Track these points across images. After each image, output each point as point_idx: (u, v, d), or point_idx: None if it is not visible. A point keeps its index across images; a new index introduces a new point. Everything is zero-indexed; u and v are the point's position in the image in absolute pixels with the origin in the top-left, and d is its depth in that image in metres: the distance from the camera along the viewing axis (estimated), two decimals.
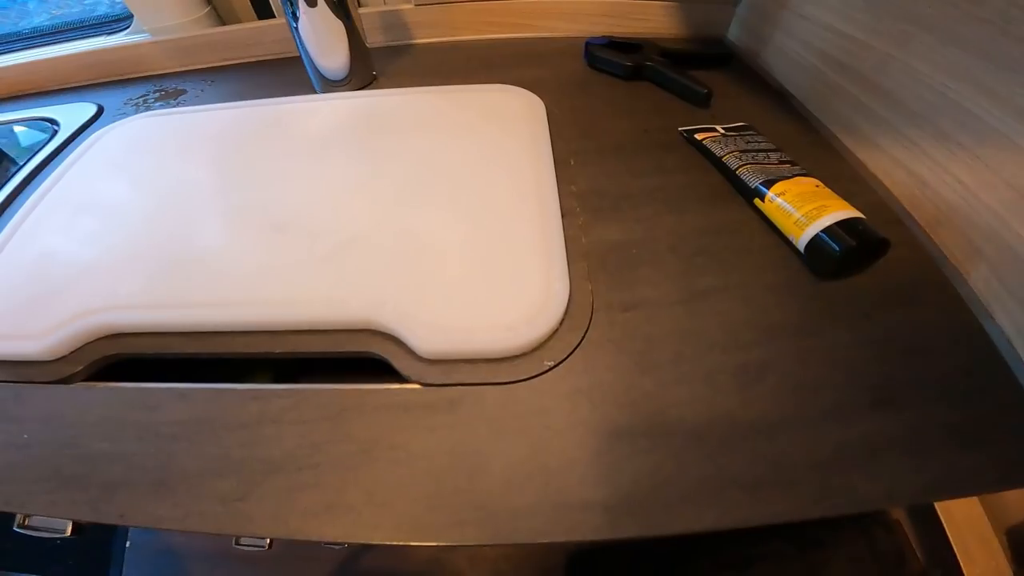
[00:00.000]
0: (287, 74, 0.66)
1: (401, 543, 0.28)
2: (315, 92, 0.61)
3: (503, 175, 0.46)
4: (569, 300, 0.37)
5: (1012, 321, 0.34)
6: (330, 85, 0.60)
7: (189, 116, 0.57)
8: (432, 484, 0.30)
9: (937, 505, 0.40)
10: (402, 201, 0.44)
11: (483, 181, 0.45)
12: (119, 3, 0.74)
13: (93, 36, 0.74)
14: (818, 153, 0.49)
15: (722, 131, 0.50)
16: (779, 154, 0.46)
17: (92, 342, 0.37)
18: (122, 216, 0.45)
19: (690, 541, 0.38)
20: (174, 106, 0.62)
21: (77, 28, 0.75)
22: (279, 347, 0.36)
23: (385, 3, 0.68)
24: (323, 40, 0.56)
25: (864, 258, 0.39)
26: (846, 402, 0.32)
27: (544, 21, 0.67)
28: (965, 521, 0.40)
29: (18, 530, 0.37)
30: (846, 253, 0.37)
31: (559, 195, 0.44)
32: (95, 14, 0.75)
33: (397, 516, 0.29)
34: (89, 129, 0.60)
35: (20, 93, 0.71)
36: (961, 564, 0.39)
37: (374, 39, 0.70)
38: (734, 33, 0.65)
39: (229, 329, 0.37)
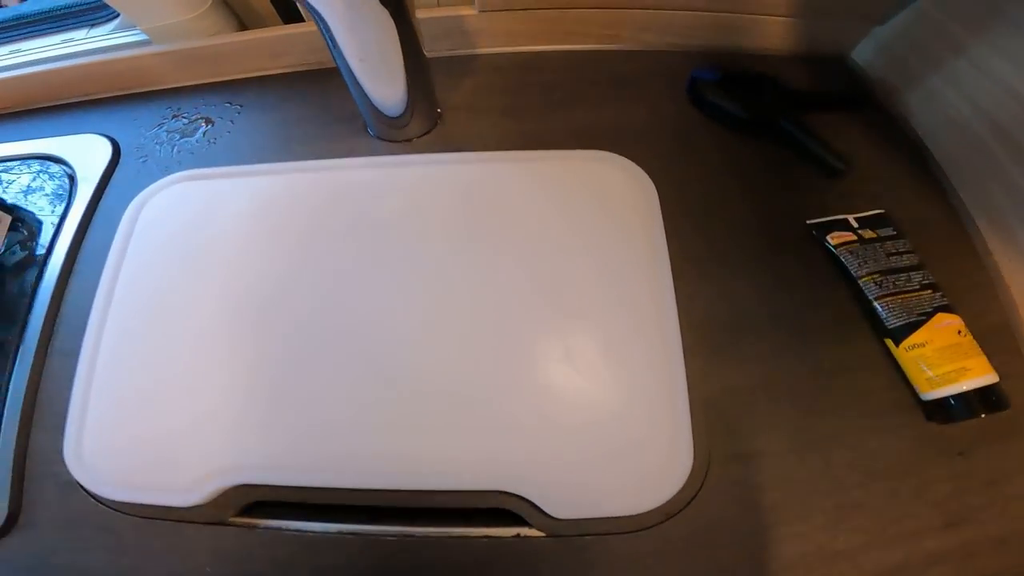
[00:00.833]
0: (329, 95, 0.56)
1: None
2: (368, 133, 0.52)
3: (620, 298, 0.41)
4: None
5: None
6: (387, 125, 0.51)
7: (240, 183, 0.49)
8: None
9: None
10: (514, 335, 0.40)
11: (599, 306, 0.41)
12: None
13: (70, 28, 0.61)
14: (954, 249, 0.45)
15: (855, 225, 0.45)
16: (921, 274, 0.41)
17: (234, 487, 0.38)
18: (210, 341, 0.41)
19: None
20: (206, 142, 0.53)
21: (49, 19, 0.61)
22: (410, 502, 0.37)
23: (439, 3, 0.56)
24: (374, 63, 0.43)
25: None
26: (923, 527, 0.35)
27: (633, 32, 0.56)
28: None
29: None
30: (971, 417, 0.36)
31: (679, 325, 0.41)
32: (65, 1, 0.61)
33: None
34: (114, 180, 0.52)
35: (2, 111, 0.60)
36: None
37: (429, 49, 0.58)
38: (864, 56, 0.55)
39: (359, 487, 0.37)
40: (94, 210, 0.50)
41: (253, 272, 0.43)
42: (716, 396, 0.39)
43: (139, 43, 0.57)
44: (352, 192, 0.47)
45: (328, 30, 0.39)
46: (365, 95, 0.46)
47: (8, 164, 0.55)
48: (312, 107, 0.55)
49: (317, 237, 0.45)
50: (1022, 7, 0.39)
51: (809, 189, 0.48)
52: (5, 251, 0.48)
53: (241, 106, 0.56)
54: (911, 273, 0.41)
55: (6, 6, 0.67)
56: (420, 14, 0.55)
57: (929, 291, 0.40)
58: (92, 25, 0.61)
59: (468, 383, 0.39)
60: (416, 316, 0.41)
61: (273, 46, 0.57)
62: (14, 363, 0.42)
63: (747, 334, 0.41)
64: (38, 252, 0.48)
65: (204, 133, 0.54)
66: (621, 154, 0.49)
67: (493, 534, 0.36)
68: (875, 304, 0.40)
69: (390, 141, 0.52)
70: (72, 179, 0.53)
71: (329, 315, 0.41)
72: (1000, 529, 0.35)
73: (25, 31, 0.61)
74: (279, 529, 0.38)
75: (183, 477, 0.37)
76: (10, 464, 0.39)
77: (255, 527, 0.38)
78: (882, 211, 0.46)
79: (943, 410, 0.37)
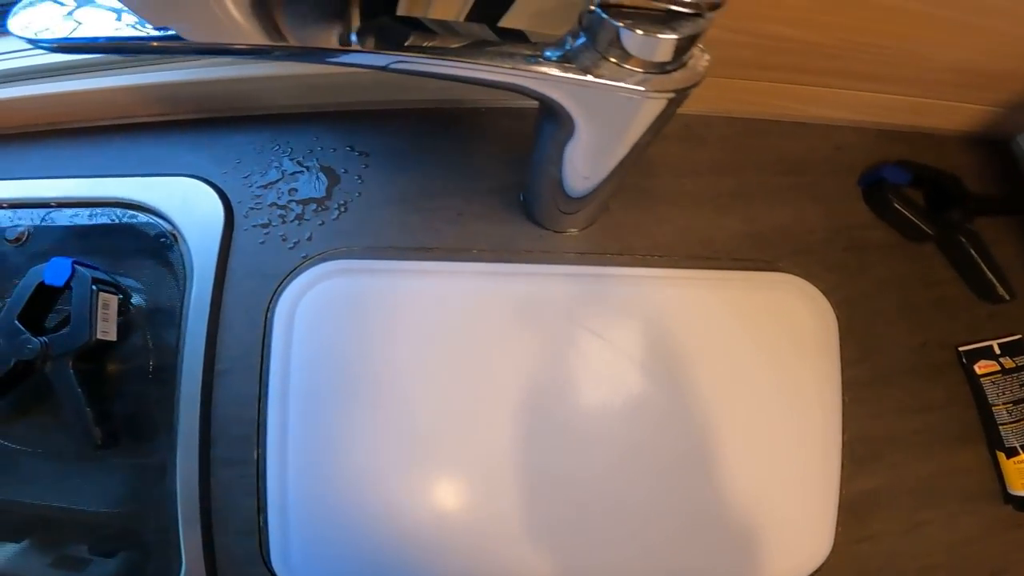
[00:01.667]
0: (470, 148, 0.49)
1: None
2: (523, 213, 0.47)
3: (793, 421, 0.44)
4: None
5: None
6: (559, 211, 0.45)
7: (404, 283, 0.44)
8: None
9: None
10: (701, 459, 0.43)
11: (774, 427, 0.44)
12: None
13: None
14: None
15: (998, 352, 0.48)
16: None
17: None
18: (408, 450, 0.41)
19: None
20: (336, 210, 0.46)
21: None
22: None
23: None
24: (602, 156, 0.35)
25: None
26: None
27: (807, 107, 0.52)
28: None
29: None
30: None
31: None
32: None
33: None
34: (234, 253, 0.45)
35: (50, 126, 0.48)
36: None
37: None
38: None
39: None
40: (221, 298, 0.43)
41: (440, 381, 0.42)
42: (851, 498, 0.45)
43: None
44: (533, 305, 0.44)
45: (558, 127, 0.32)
46: (556, 181, 0.40)
47: (76, 210, 0.46)
48: (452, 165, 0.48)
49: (500, 351, 0.43)
50: None
51: (964, 309, 0.50)
52: (119, 342, 0.42)
53: (367, 155, 0.48)
54: None
55: None
56: None
57: None
58: None
59: (672, 505, 0.42)
60: (613, 440, 0.42)
61: (400, 78, 0.48)
62: (174, 473, 0.39)
63: (888, 446, 0.46)
64: (160, 343, 0.42)
65: (331, 195, 0.47)
66: (797, 264, 0.48)
67: None
68: (1000, 428, 0.46)
69: (551, 230, 0.47)
70: (175, 239, 0.45)
71: (528, 433, 0.41)
72: None
73: None
74: None
75: None
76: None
77: None
78: (1020, 336, 0.49)
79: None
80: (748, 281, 0.46)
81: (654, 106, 0.27)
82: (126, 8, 0.23)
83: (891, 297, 0.49)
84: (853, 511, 0.45)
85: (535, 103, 0.30)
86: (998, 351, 0.48)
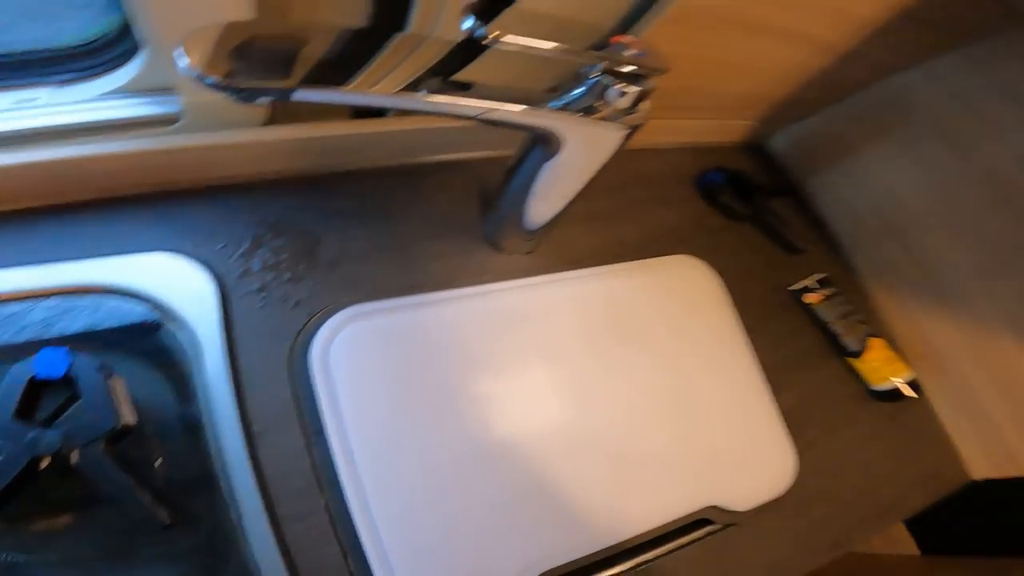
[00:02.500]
0: (430, 198, 0.57)
1: None
2: (485, 241, 0.57)
3: (724, 363, 0.61)
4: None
5: None
6: (520, 239, 0.57)
7: (414, 314, 0.50)
8: None
9: None
10: (664, 408, 0.56)
11: (711, 375, 0.60)
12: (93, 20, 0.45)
13: (58, 77, 0.45)
14: (857, 298, 0.75)
15: (817, 285, 0.71)
16: (857, 316, 0.70)
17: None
18: (471, 460, 0.46)
19: None
20: (327, 267, 0.50)
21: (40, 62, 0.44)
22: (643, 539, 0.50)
23: None
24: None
25: None
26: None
27: (654, 137, 0.72)
28: None
29: None
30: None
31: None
32: (60, 42, 0.45)
33: None
34: (235, 317, 0.45)
35: (14, 207, 0.43)
36: None
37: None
38: (780, 145, 0.82)
39: (611, 543, 0.48)
40: (238, 365, 0.43)
41: (477, 397, 0.49)
42: (785, 409, 0.61)
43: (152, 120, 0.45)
44: (520, 312, 0.53)
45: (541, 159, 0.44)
46: (522, 216, 0.52)
47: (49, 302, 0.41)
48: (421, 214, 0.56)
49: (505, 360, 0.51)
50: (906, 128, 0.69)
51: (780, 261, 0.73)
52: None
53: (341, 214, 0.53)
54: (851, 316, 0.70)
55: None
56: None
57: (864, 324, 0.69)
58: (66, 82, 0.46)
59: (656, 448, 0.53)
60: (605, 411, 0.53)
61: (360, 142, 0.55)
62: (247, 541, 0.38)
63: (782, 372, 0.64)
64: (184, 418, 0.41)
65: (315, 254, 0.50)
66: (683, 249, 0.66)
67: (696, 537, 0.51)
68: (840, 339, 0.68)
69: (514, 254, 0.58)
70: (164, 318, 0.44)
71: (546, 422, 0.50)
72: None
73: None
74: None
75: None
76: None
77: None
78: (826, 274, 0.74)
79: (888, 396, 0.67)
80: (661, 264, 0.64)
81: (620, 136, 0.41)
82: None
83: (740, 262, 0.70)
84: (790, 426, 0.60)
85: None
86: (816, 286, 0.72)
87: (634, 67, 0.36)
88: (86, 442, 0.35)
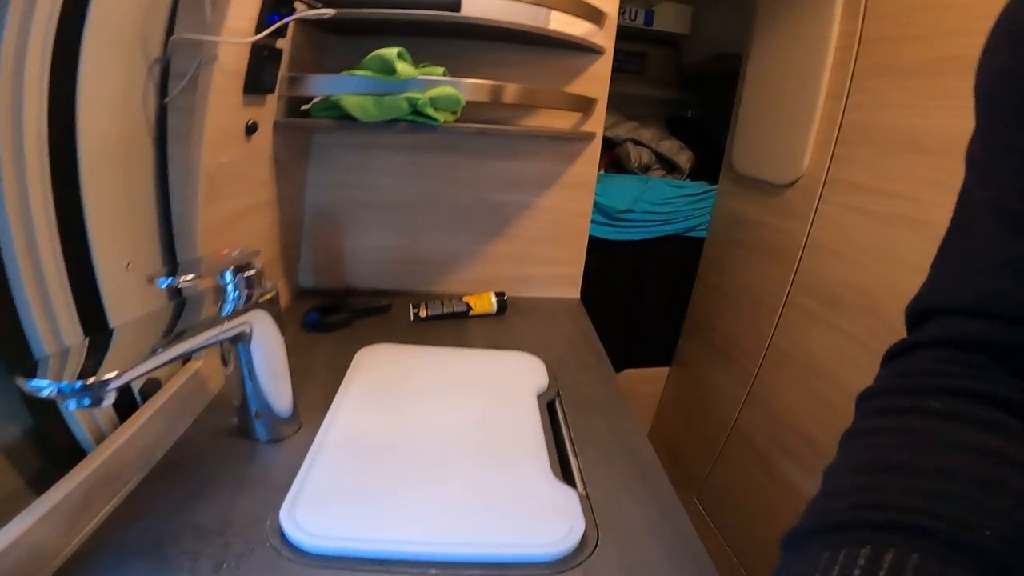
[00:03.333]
0: (205, 468, 0.65)
1: None
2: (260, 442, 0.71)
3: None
4: None
5: None
6: (276, 424, 0.72)
7: None
8: None
9: None
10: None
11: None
12: None
13: None
14: None
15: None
16: None
17: None
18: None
19: None
20: None
21: None
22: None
23: None
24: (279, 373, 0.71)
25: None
26: None
27: None
28: None
29: None
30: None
31: None
32: None
33: None
34: None
35: None
36: None
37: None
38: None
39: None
40: None
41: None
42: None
43: None
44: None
45: (250, 359, 0.65)
46: (270, 406, 0.70)
47: None
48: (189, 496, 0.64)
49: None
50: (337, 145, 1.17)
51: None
52: None
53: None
54: None
55: None
56: None
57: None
58: None
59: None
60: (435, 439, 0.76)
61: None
62: None
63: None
64: None
65: None
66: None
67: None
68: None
69: (286, 437, 0.73)
70: None
71: (414, 435, 0.72)
72: None
73: None
74: None
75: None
76: None
77: None
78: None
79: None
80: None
81: (270, 311, 0.67)
82: None
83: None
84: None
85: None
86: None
87: (237, 263, 0.62)
88: None
